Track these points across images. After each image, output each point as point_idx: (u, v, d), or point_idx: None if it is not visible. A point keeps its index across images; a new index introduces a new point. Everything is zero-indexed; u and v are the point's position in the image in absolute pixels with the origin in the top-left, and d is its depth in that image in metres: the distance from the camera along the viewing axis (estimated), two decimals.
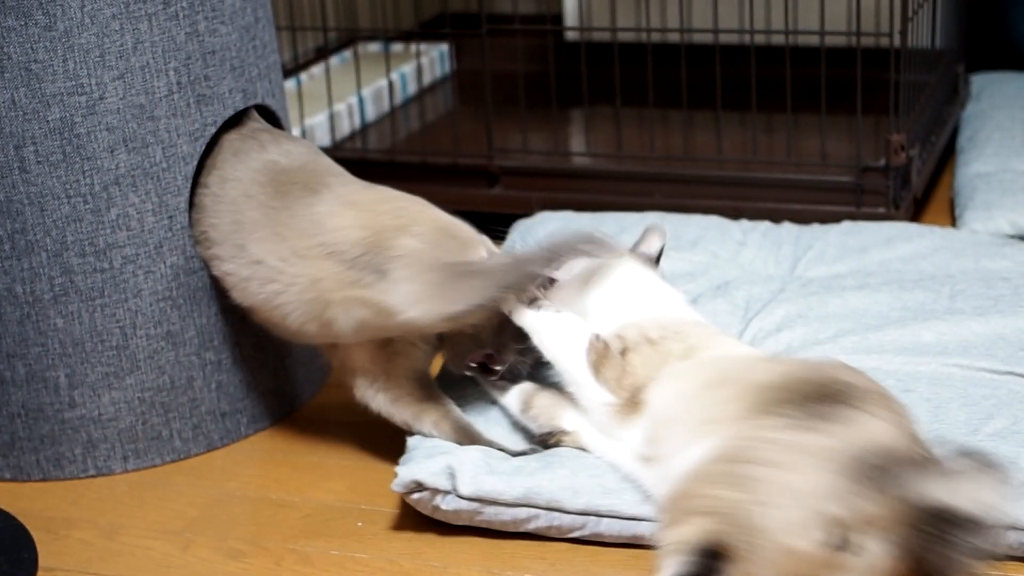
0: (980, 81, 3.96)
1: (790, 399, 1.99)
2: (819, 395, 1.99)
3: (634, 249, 2.47)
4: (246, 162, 2.49)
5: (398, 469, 2.30)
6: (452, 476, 2.26)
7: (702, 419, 2.08)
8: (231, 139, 2.55)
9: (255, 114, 2.63)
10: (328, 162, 2.56)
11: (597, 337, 2.30)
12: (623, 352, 2.26)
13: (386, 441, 2.59)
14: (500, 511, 2.26)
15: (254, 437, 2.67)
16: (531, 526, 2.27)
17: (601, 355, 2.27)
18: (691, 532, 1.89)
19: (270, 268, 2.37)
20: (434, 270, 2.27)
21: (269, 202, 2.41)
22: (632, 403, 2.22)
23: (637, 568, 2.21)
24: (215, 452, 2.63)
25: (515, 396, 2.44)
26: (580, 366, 2.29)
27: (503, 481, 2.25)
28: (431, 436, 2.39)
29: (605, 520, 2.25)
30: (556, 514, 2.25)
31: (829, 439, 1.91)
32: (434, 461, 2.28)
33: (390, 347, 2.38)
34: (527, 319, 2.35)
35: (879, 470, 1.87)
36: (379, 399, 2.41)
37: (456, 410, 2.42)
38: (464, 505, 2.27)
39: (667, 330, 2.28)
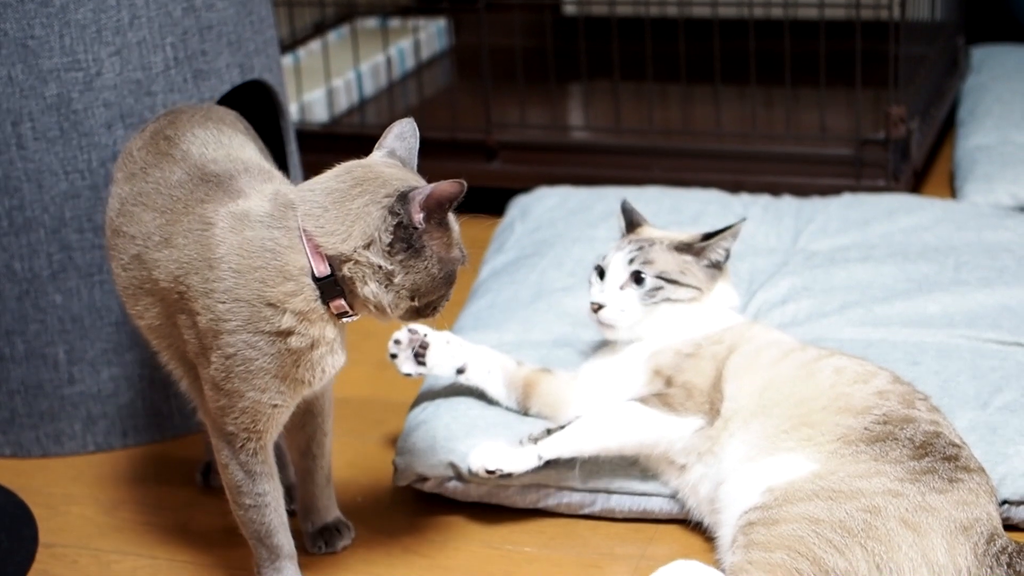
0: (980, 53, 3.95)
1: (896, 438, 1.99)
2: (927, 445, 1.99)
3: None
4: None
5: (396, 461, 2.30)
6: (454, 465, 2.26)
7: (787, 425, 2.05)
8: None
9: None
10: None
11: (641, 398, 2.20)
12: (668, 382, 2.21)
13: (385, 417, 2.59)
14: (510, 492, 2.26)
15: None
16: (541, 504, 2.26)
17: (663, 399, 2.19)
18: None
19: None
20: None
21: None
22: (715, 410, 2.17)
23: (635, 541, 2.21)
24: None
25: (502, 387, 2.37)
26: (655, 422, 2.18)
27: (511, 463, 2.23)
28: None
29: (615, 496, 2.25)
30: (566, 492, 2.25)
31: (957, 506, 1.91)
32: (434, 454, 2.27)
33: None
34: (570, 440, 2.19)
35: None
36: None
37: None
38: (473, 488, 2.27)
39: (698, 342, 2.26)
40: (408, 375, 2.35)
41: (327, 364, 1.98)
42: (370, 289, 1.92)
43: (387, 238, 1.91)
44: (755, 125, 3.35)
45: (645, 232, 2.41)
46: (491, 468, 2.18)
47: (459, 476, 2.25)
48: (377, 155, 2.02)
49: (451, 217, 1.96)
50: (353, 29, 3.74)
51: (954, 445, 2.00)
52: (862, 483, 1.93)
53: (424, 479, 2.29)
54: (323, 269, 1.91)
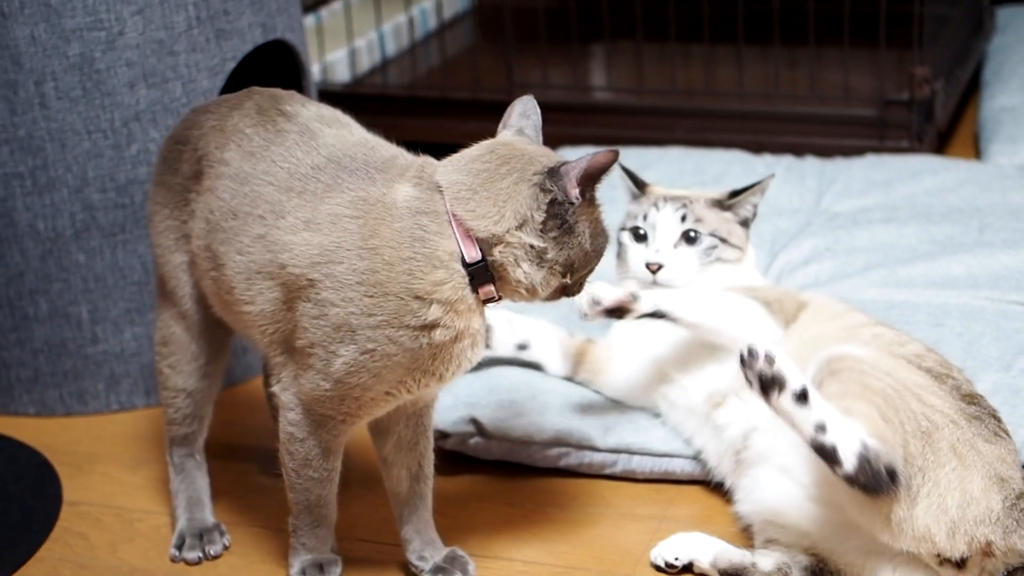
0: (1006, 14, 3.92)
1: (943, 379, 1.99)
2: (972, 397, 1.99)
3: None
4: None
5: None
6: (476, 422, 2.27)
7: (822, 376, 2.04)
8: None
9: None
10: None
11: (768, 302, 2.19)
12: (767, 304, 2.19)
13: None
14: (532, 451, 2.27)
15: None
16: (562, 463, 2.27)
17: (762, 302, 2.19)
18: (894, 443, 1.86)
19: None
20: None
21: None
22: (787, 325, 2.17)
23: (656, 502, 2.21)
24: (237, 388, 2.63)
25: (559, 359, 2.40)
26: (758, 313, 2.16)
27: (533, 424, 2.24)
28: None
29: (636, 457, 2.25)
30: (588, 452, 2.26)
31: (998, 460, 1.91)
32: (455, 411, 2.29)
33: None
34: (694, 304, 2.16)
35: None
36: None
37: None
38: (495, 445, 2.28)
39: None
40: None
41: (466, 358, 1.90)
42: (523, 271, 1.86)
43: (540, 216, 1.84)
44: (778, 85, 3.33)
45: (658, 191, 2.40)
46: (596, 298, 2.11)
47: (480, 432, 2.26)
48: (507, 134, 1.96)
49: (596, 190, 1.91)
50: None
51: (994, 409, 2.01)
52: (923, 392, 1.94)
53: (445, 436, 2.29)
54: (474, 254, 1.84)
